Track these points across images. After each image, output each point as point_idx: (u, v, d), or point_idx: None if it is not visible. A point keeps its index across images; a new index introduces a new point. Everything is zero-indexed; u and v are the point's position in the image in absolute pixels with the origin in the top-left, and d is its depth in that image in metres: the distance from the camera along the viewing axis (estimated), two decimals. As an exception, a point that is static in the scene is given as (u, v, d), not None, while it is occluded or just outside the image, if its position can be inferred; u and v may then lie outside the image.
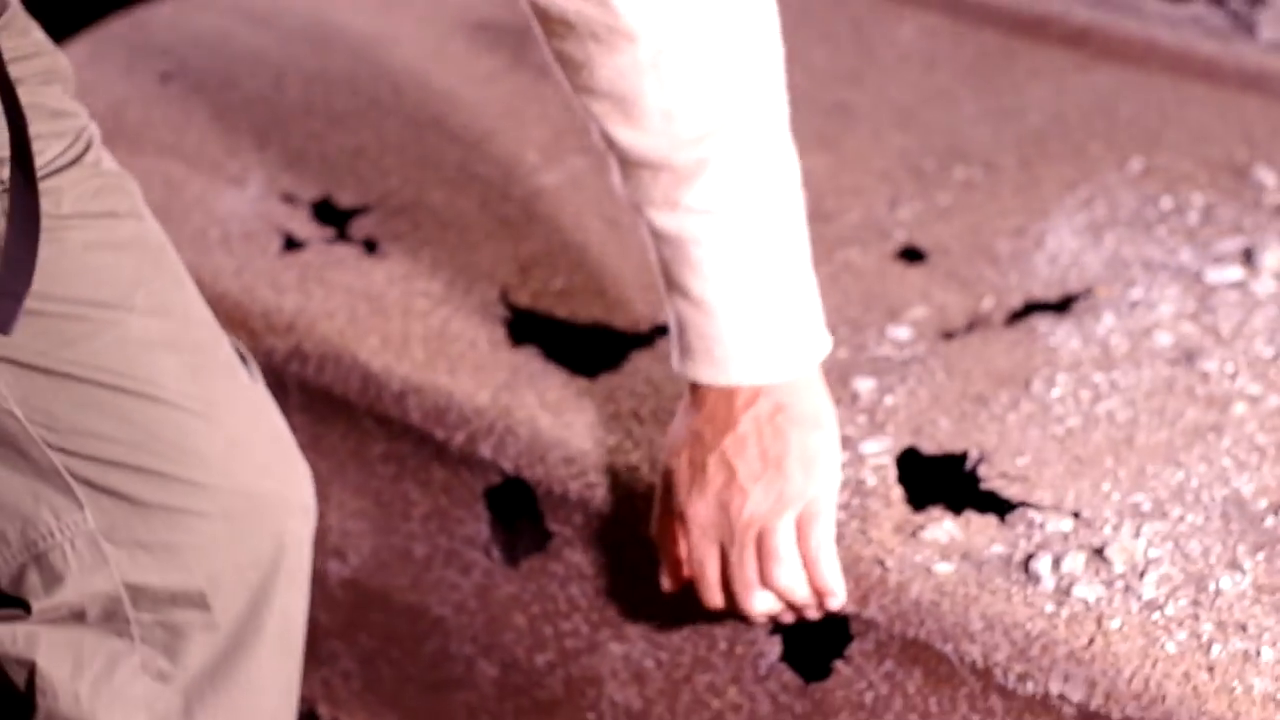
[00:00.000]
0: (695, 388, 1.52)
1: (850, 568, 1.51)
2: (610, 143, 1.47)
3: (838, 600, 1.49)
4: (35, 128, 1.42)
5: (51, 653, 1.51)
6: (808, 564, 1.48)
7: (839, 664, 1.52)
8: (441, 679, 1.74)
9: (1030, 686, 1.44)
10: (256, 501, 1.51)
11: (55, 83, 1.48)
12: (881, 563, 1.51)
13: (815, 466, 1.49)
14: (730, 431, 1.50)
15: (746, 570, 1.49)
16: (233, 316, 1.81)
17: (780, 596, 1.50)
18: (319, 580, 1.73)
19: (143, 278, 1.48)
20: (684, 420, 1.53)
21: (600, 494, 1.62)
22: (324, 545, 1.76)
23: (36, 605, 1.49)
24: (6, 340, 1.41)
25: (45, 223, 1.41)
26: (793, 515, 1.48)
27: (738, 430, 1.50)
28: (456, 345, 1.74)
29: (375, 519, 1.75)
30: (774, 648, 1.56)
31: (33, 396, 1.44)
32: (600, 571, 1.63)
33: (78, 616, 1.50)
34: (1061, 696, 1.43)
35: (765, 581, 1.49)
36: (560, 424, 1.66)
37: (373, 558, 1.76)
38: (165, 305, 1.49)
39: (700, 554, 1.51)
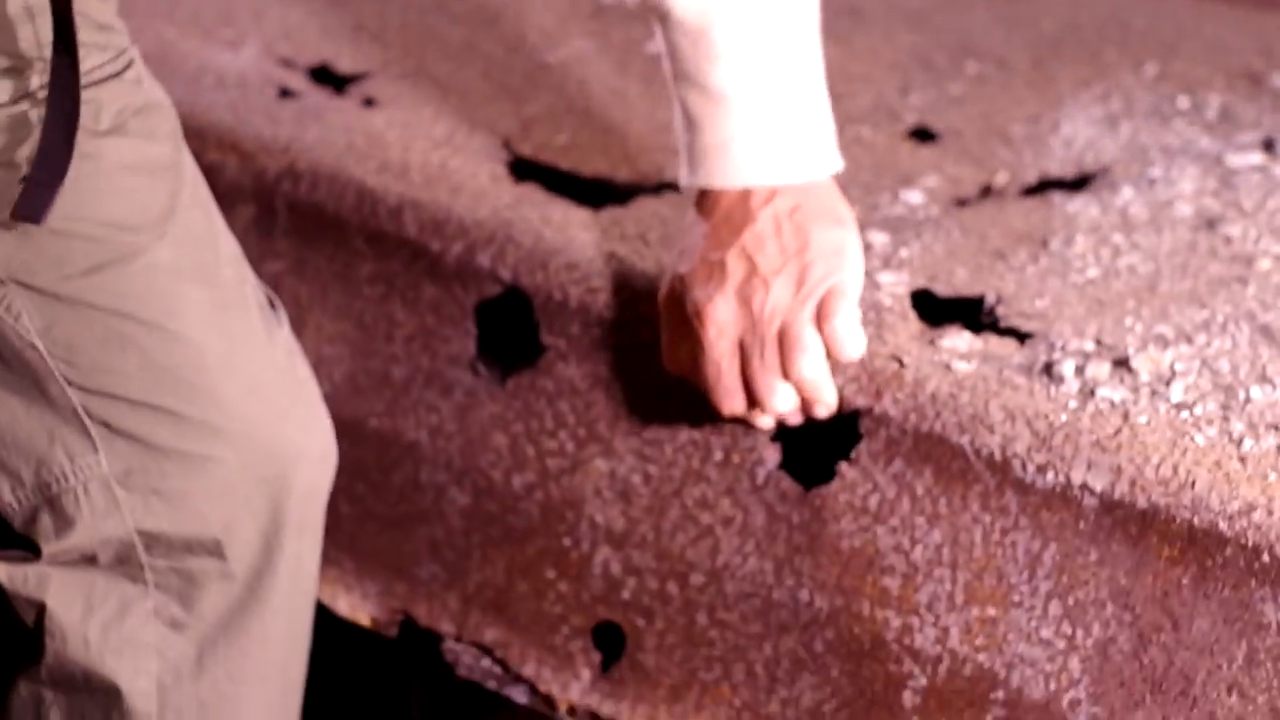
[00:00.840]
0: (706, 198, 1.47)
1: (864, 364, 1.45)
2: None
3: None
4: (80, 36, 1.37)
5: (62, 594, 1.47)
6: (832, 347, 1.42)
7: (844, 466, 1.46)
8: (405, 514, 1.66)
9: (1050, 478, 1.38)
10: (273, 448, 1.46)
11: None
12: (898, 360, 1.45)
13: (837, 258, 1.44)
14: (748, 227, 1.45)
15: (769, 365, 1.43)
16: (224, 141, 1.75)
17: (801, 391, 1.43)
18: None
19: (176, 206, 1.43)
20: (695, 230, 1.47)
21: (602, 299, 1.56)
22: (295, 373, 1.69)
23: (47, 548, 1.45)
24: (32, 265, 1.38)
25: (81, 136, 1.36)
26: (815, 303, 1.43)
27: (756, 226, 1.45)
28: (457, 176, 1.69)
29: (354, 342, 1.68)
30: (773, 455, 1.49)
31: (55, 327, 1.40)
32: (593, 385, 1.56)
33: (89, 560, 1.46)
34: (1084, 486, 1.36)
35: (787, 374, 1.43)
36: (563, 236, 1.60)
37: (346, 384, 1.68)
38: (196, 238, 1.45)
39: (718, 355, 1.44)
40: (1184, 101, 1.80)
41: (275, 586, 1.50)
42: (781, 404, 1.43)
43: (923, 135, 1.76)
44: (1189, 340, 1.46)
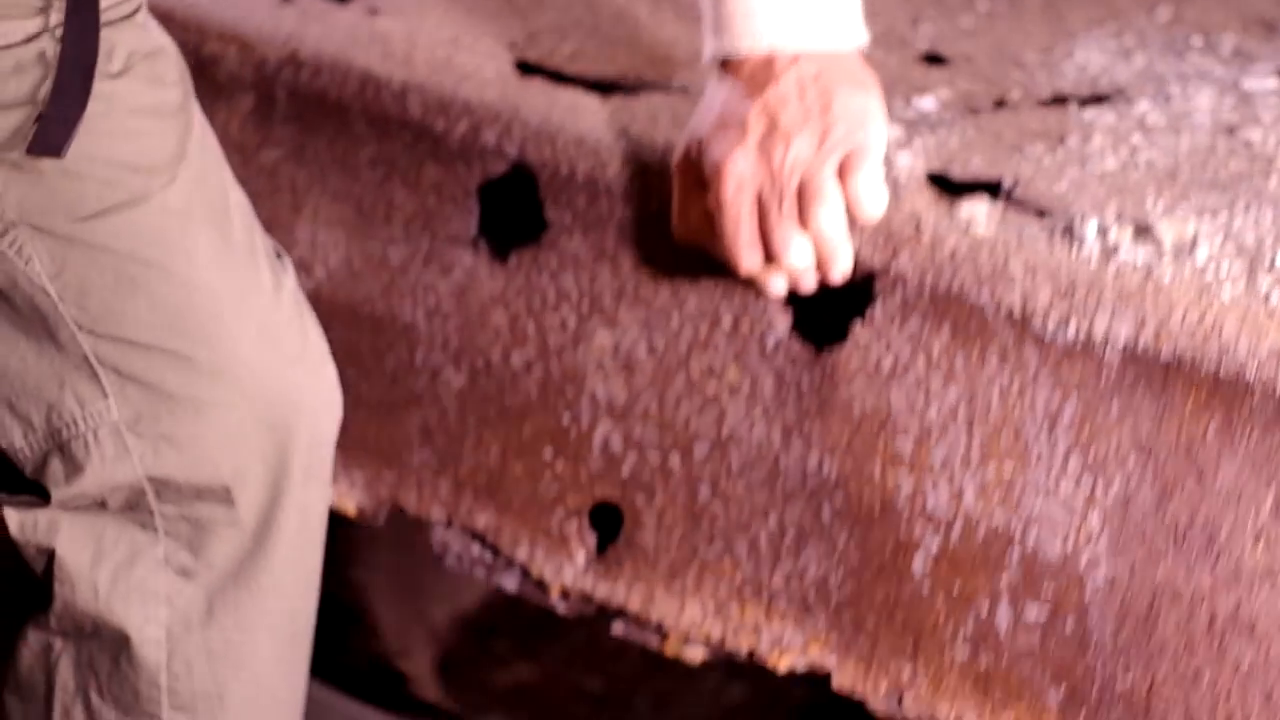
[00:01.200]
0: (728, 66, 1.45)
1: (881, 225, 1.43)
2: None
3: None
4: None
5: (71, 540, 1.46)
6: (852, 203, 1.39)
7: (857, 326, 1.42)
8: (397, 399, 1.61)
9: (1072, 330, 1.35)
10: (281, 394, 1.45)
11: None
12: (916, 222, 1.42)
13: (861, 120, 1.42)
14: (771, 87, 1.42)
15: (787, 216, 1.40)
16: (225, 33, 1.73)
17: (819, 245, 1.40)
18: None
19: (186, 152, 1.42)
20: (715, 95, 1.45)
21: (611, 171, 1.53)
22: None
23: (57, 494, 1.44)
24: (45, 207, 1.36)
25: (95, 75, 1.35)
26: (837, 160, 1.40)
27: (779, 87, 1.42)
28: (463, 67, 1.66)
29: (352, 226, 1.64)
30: (783, 321, 1.46)
31: (67, 270, 1.38)
32: (598, 257, 1.53)
33: (99, 506, 1.45)
34: (1107, 337, 1.33)
35: (805, 226, 1.40)
36: (572, 115, 1.58)
37: (342, 268, 1.64)
38: (206, 184, 1.44)
39: (735, 210, 1.41)
40: (1198, 40, 1.78)
41: (283, 535, 1.48)
42: (798, 258, 1.40)
43: (934, 59, 1.74)
44: (1212, 215, 1.43)
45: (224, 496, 1.44)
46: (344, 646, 2.10)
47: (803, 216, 1.40)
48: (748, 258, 1.41)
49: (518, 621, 2.31)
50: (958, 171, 1.51)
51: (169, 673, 1.53)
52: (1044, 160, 1.54)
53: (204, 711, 1.56)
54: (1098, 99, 1.67)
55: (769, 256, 1.41)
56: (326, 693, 2.05)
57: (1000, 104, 1.66)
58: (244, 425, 1.43)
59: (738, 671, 2.28)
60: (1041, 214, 1.44)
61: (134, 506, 1.44)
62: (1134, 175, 1.51)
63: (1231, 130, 1.59)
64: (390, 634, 2.11)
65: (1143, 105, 1.64)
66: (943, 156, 1.54)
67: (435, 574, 2.33)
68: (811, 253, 1.40)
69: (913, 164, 1.52)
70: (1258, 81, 1.68)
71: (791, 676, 2.21)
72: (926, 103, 1.65)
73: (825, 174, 1.40)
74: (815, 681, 2.24)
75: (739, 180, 1.41)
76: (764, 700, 2.24)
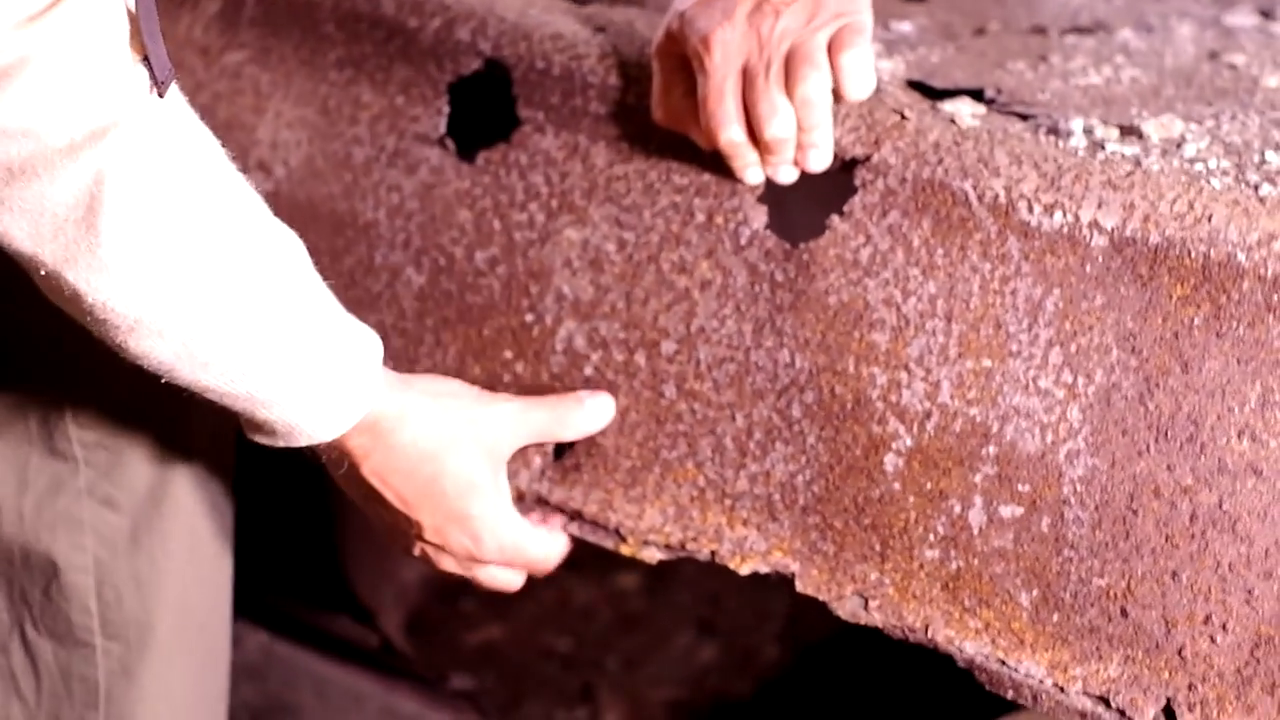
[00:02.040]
0: None
1: (864, 115, 1.39)
2: None
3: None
4: None
5: None
6: (841, 81, 1.35)
7: (835, 220, 1.38)
8: (354, 300, 1.56)
9: (1058, 218, 1.31)
10: None
11: None
12: (900, 113, 1.39)
13: (852, 1, 1.38)
14: None
15: (773, 82, 1.35)
16: (192, -64, 1.69)
17: (802, 117, 1.35)
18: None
19: None
20: None
21: (587, 64, 1.48)
22: (247, 161, 1.60)
23: None
24: None
25: None
26: (827, 35, 1.36)
27: None
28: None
29: (315, 126, 1.59)
30: (759, 217, 1.41)
31: None
32: (570, 154, 1.48)
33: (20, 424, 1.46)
34: (1093, 225, 1.29)
35: (791, 93, 1.35)
36: (549, 13, 1.54)
37: (303, 167, 1.59)
38: None
39: (720, 79, 1.36)
40: (1175, -10, 1.77)
41: (194, 457, 1.49)
42: (780, 128, 1.35)
43: (911, -3, 1.72)
44: (1199, 122, 1.40)
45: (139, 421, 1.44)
46: (316, 606, 2.09)
47: (789, 84, 1.35)
48: (729, 129, 1.36)
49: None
50: (939, 82, 1.48)
51: (99, 600, 1.51)
52: (1026, 75, 1.51)
53: (135, 640, 1.52)
54: (1079, 30, 1.64)
55: (751, 133, 1.37)
56: (297, 652, 2.06)
57: (980, 32, 1.63)
58: None
59: (709, 630, 2.28)
60: (1025, 117, 1.41)
61: (52, 434, 1.44)
62: (1118, 89, 1.49)
63: (1214, 55, 1.56)
64: (361, 594, 2.10)
65: (1124, 34, 1.61)
66: (924, 70, 1.51)
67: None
68: (793, 124, 1.35)
69: (894, 69, 1.49)
70: (1240, 18, 1.66)
71: (762, 637, 2.21)
72: (905, 26, 1.62)
73: (816, 43, 1.35)
74: (787, 642, 2.24)
75: (725, 51, 1.36)
76: (735, 661, 2.22)
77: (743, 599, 2.30)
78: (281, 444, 1.37)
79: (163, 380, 1.31)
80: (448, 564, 1.45)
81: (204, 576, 1.55)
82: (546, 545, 1.45)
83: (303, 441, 1.37)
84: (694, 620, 2.31)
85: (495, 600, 2.19)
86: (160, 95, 1.24)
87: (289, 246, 1.33)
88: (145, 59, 1.24)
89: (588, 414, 1.44)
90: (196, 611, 1.56)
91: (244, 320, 1.29)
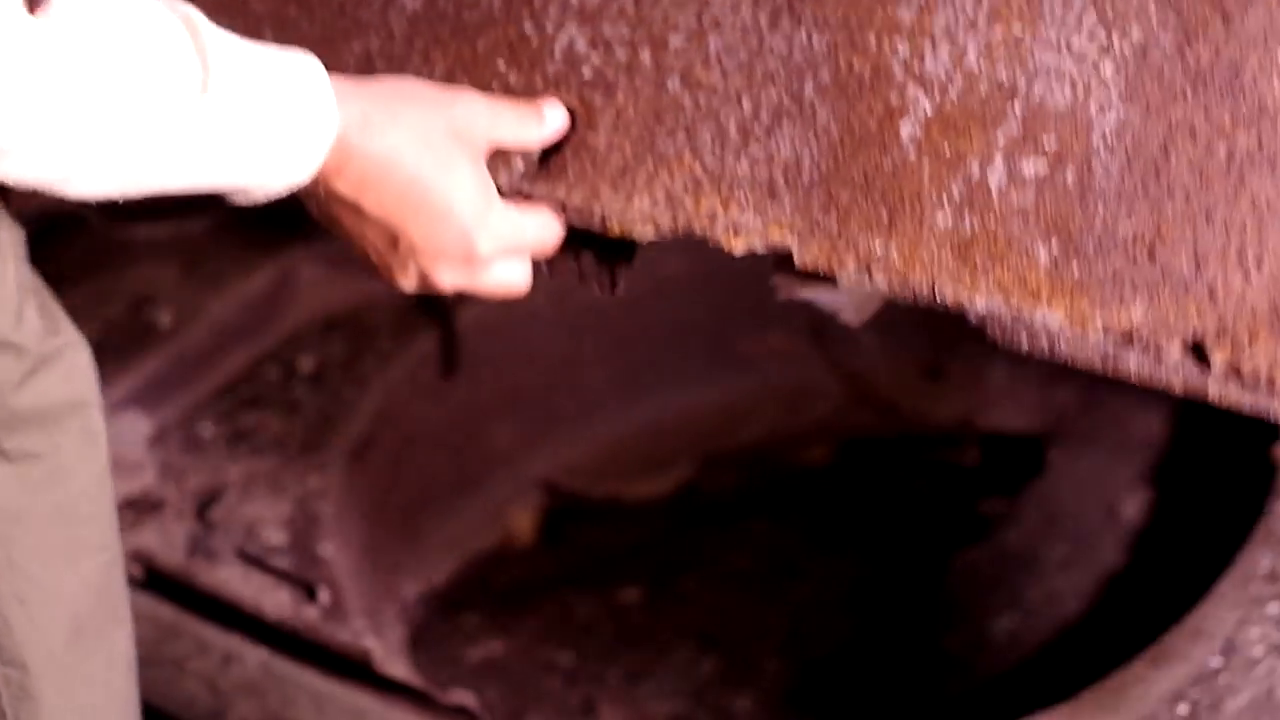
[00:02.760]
0: None
1: None
2: None
3: None
4: None
5: None
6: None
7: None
8: (339, 30, 1.50)
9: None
10: None
11: None
12: None
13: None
14: None
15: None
16: None
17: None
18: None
19: None
20: None
21: None
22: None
23: None
24: None
25: None
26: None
27: None
28: None
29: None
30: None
31: None
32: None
33: None
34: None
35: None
36: None
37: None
38: None
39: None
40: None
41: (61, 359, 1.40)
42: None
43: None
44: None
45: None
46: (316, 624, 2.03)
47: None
48: None
49: (488, 597, 2.30)
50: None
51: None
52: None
53: (33, 660, 1.42)
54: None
55: None
56: (295, 668, 2.01)
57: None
58: None
59: (710, 644, 2.20)
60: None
61: None
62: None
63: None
64: (362, 611, 2.02)
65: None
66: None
67: (406, 550, 2.26)
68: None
69: None
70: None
71: (763, 650, 2.12)
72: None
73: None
74: (788, 655, 2.19)
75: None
76: (736, 674, 2.19)
77: (744, 612, 2.28)
78: (261, 199, 1.30)
79: None
80: (447, 276, 1.36)
81: (87, 578, 1.44)
82: (542, 223, 1.37)
83: (282, 190, 1.30)
84: (695, 634, 2.27)
85: (495, 615, 2.19)
86: None
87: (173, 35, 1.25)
88: None
89: (548, 125, 1.39)
90: (91, 615, 1.45)
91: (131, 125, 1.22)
